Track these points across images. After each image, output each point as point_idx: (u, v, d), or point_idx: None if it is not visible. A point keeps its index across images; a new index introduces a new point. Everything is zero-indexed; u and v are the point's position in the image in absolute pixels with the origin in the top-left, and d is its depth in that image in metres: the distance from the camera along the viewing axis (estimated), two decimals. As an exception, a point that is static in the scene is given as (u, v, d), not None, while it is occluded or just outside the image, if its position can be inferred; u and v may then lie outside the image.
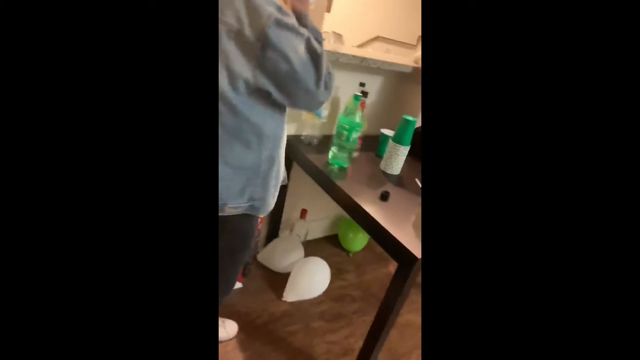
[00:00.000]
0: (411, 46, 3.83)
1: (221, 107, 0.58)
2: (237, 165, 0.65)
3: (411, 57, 1.51)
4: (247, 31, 0.52)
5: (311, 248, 1.60)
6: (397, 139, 1.07)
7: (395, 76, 1.46)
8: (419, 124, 1.15)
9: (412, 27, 3.90)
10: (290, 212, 1.56)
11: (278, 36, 0.53)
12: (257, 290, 1.36)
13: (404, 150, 1.08)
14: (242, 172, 0.66)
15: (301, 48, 0.56)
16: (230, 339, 1.15)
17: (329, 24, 3.06)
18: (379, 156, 1.22)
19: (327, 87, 0.62)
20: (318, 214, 1.67)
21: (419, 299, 1.53)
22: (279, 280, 1.40)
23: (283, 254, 1.46)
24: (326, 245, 1.71)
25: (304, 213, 1.52)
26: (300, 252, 1.51)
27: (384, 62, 1.27)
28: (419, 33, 3.88)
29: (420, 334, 1.36)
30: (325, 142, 1.22)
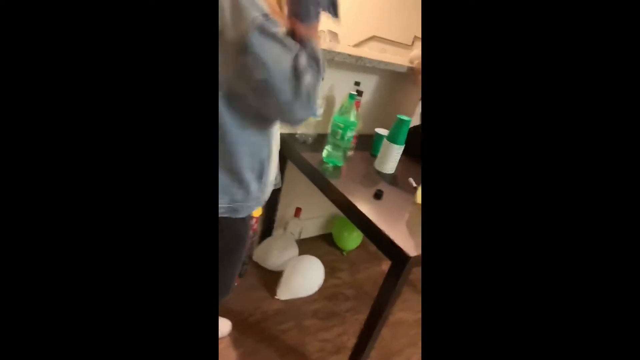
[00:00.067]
0: (406, 46, 3.84)
1: None
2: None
3: (406, 57, 1.52)
4: (229, 32, 0.51)
5: (305, 246, 1.60)
6: (392, 139, 1.07)
7: (390, 76, 1.46)
8: (413, 123, 1.15)
9: (407, 27, 3.91)
10: (284, 211, 1.56)
11: (260, 44, 0.51)
12: (250, 288, 1.36)
13: (398, 150, 1.08)
14: (221, 175, 0.65)
15: (285, 60, 0.54)
16: (223, 337, 1.15)
17: (324, 23, 3.05)
18: (374, 155, 1.23)
19: (307, 105, 0.59)
20: (312, 213, 1.67)
21: (412, 297, 1.54)
22: (272, 279, 1.40)
23: (277, 252, 1.46)
24: (320, 244, 1.72)
25: (298, 211, 1.52)
26: (294, 250, 1.51)
27: (379, 62, 1.27)
28: (415, 33, 3.90)
29: (412, 332, 1.37)
30: (320, 140, 1.22)
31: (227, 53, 0.52)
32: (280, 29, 0.55)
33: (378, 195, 0.93)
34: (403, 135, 1.07)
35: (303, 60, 0.57)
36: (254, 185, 0.68)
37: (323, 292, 1.43)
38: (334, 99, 1.35)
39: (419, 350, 1.30)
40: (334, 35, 1.48)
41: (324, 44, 1.37)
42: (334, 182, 0.97)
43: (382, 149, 1.11)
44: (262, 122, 0.66)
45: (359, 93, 1.22)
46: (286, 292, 1.35)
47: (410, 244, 0.77)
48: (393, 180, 1.09)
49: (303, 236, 1.68)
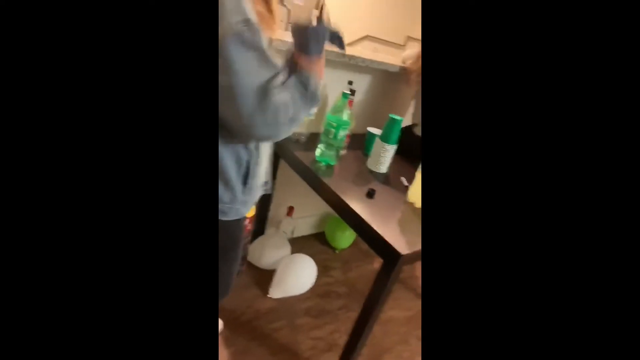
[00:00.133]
0: (399, 46, 3.86)
1: None
2: None
3: (399, 57, 1.53)
4: None
5: (298, 245, 1.60)
6: (384, 138, 1.08)
7: (383, 75, 1.47)
8: (405, 123, 1.16)
9: (400, 27, 3.93)
10: (277, 209, 1.56)
11: (233, 50, 0.49)
12: (242, 287, 1.35)
13: (390, 149, 1.09)
14: None
15: (257, 72, 0.52)
16: (215, 336, 1.14)
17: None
18: (366, 154, 1.24)
19: (272, 124, 0.56)
20: (305, 212, 1.67)
21: (403, 295, 1.56)
22: (264, 277, 1.40)
23: (269, 251, 1.45)
24: (313, 243, 1.72)
25: (290, 210, 1.52)
26: (287, 249, 1.51)
27: (372, 61, 1.28)
28: (407, 33, 3.92)
29: (403, 330, 1.39)
30: (312, 139, 1.23)
31: None
32: (262, 37, 0.53)
33: (370, 194, 0.94)
34: (395, 135, 1.07)
35: (279, 79, 0.55)
36: (239, 188, 0.68)
37: (315, 291, 1.43)
38: (327, 98, 1.35)
39: (410, 348, 1.32)
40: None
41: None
42: (326, 181, 0.98)
43: (374, 148, 1.12)
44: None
45: (352, 92, 1.22)
46: (278, 290, 1.35)
47: (401, 243, 0.77)
48: (385, 179, 1.10)
49: (295, 235, 1.68)
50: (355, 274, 1.60)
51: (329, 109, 1.34)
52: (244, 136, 0.59)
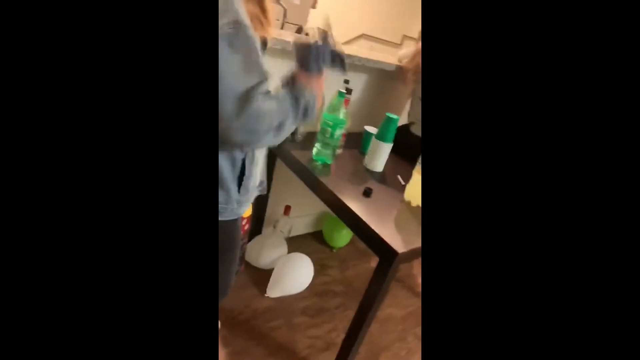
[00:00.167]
0: (395, 45, 3.87)
1: None
2: None
3: (395, 56, 1.53)
4: None
5: (295, 244, 1.60)
6: (380, 137, 1.08)
7: (379, 74, 1.47)
8: (401, 122, 1.17)
9: (396, 26, 3.93)
10: (273, 209, 1.56)
11: (221, 52, 0.49)
12: (240, 287, 1.35)
13: (387, 148, 1.09)
14: None
15: (241, 77, 0.52)
16: (212, 336, 1.14)
17: (314, 21, 3.05)
18: (363, 153, 1.24)
19: (251, 131, 0.55)
20: (302, 211, 1.67)
21: (400, 293, 1.57)
22: (262, 277, 1.40)
23: (266, 250, 1.45)
24: (310, 242, 1.72)
25: (287, 209, 1.52)
26: (284, 248, 1.51)
27: (368, 60, 1.28)
28: (403, 32, 3.93)
29: (400, 327, 1.39)
30: (309, 138, 1.22)
31: None
32: (253, 40, 0.52)
33: (367, 193, 0.94)
34: (392, 133, 1.08)
35: (266, 86, 0.55)
36: (234, 188, 0.67)
37: (313, 289, 1.44)
38: (323, 97, 1.35)
39: (407, 345, 1.32)
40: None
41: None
42: (323, 180, 0.98)
43: (371, 146, 1.12)
44: None
45: (348, 91, 1.22)
46: (276, 290, 1.35)
47: (398, 241, 0.78)
48: (382, 178, 1.10)
49: (292, 234, 1.68)
50: (353, 273, 1.60)
51: (325, 107, 1.34)
52: (221, 139, 0.57)
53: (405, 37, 3.92)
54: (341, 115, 1.05)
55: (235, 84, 0.52)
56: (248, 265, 1.46)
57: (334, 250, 1.71)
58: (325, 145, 1.07)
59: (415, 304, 1.54)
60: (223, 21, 0.49)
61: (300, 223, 1.71)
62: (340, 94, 1.06)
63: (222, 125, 0.54)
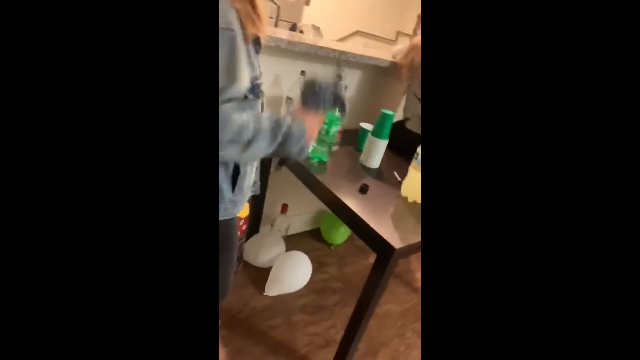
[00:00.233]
0: (390, 41, 3.87)
1: None
2: None
3: (390, 52, 1.53)
4: None
5: (292, 242, 1.60)
6: (376, 133, 1.08)
7: (373, 70, 1.47)
8: (397, 118, 1.16)
9: (390, 22, 3.93)
10: (270, 208, 1.55)
11: None
12: (238, 286, 1.35)
13: (382, 144, 1.09)
14: None
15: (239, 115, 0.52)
16: (211, 335, 1.14)
17: (308, 17, 3.04)
18: (359, 150, 1.24)
19: (234, 143, 0.54)
20: (299, 209, 1.67)
21: (398, 289, 1.57)
22: (260, 275, 1.40)
23: (264, 249, 1.45)
24: (307, 240, 1.72)
25: (284, 208, 1.52)
26: (282, 246, 1.51)
27: (362, 56, 1.27)
28: (398, 28, 3.92)
29: (398, 323, 1.40)
30: (305, 136, 1.22)
31: None
32: (237, 45, 0.51)
33: (363, 190, 0.94)
34: (387, 130, 1.07)
35: (230, 93, 0.53)
36: (227, 187, 0.67)
37: (311, 287, 1.44)
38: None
39: (406, 341, 1.33)
40: (317, 29, 1.47)
41: (307, 38, 1.36)
42: (319, 177, 0.98)
43: (366, 143, 1.12)
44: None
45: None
46: (274, 288, 1.35)
47: (395, 237, 0.78)
48: (378, 174, 1.10)
49: (290, 232, 1.68)
50: (351, 270, 1.61)
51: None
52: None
53: (399, 33, 3.92)
54: (336, 112, 1.05)
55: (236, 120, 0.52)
56: (246, 264, 1.46)
57: (332, 248, 1.71)
58: (321, 142, 1.07)
59: (414, 299, 1.55)
60: None
61: (298, 221, 1.71)
62: (335, 91, 1.05)
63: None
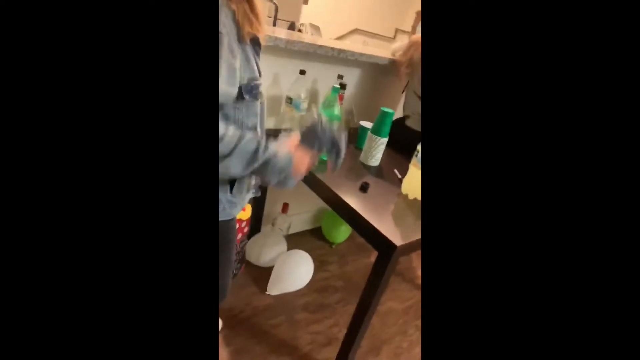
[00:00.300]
0: (388, 38, 3.86)
1: None
2: None
3: (388, 50, 1.52)
4: None
5: (294, 241, 1.61)
6: (376, 131, 1.08)
7: (372, 68, 1.47)
8: (396, 115, 1.16)
9: (389, 20, 3.92)
10: (271, 207, 1.56)
11: None
12: (240, 285, 1.35)
13: (382, 142, 1.09)
14: None
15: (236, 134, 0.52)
16: (214, 335, 1.14)
17: (306, 16, 3.04)
18: (358, 148, 1.24)
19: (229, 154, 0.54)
20: (300, 208, 1.67)
21: (400, 287, 1.57)
22: (262, 275, 1.40)
23: (265, 248, 1.45)
24: (309, 238, 1.73)
25: (285, 207, 1.52)
26: (283, 246, 1.51)
27: (361, 54, 1.27)
28: (396, 26, 3.92)
29: (401, 321, 1.40)
30: (304, 135, 1.22)
31: None
32: (223, 51, 0.51)
33: (364, 188, 0.94)
34: (387, 128, 1.07)
35: (227, 131, 0.53)
36: (225, 188, 0.67)
37: (313, 286, 1.44)
38: (318, 93, 1.35)
39: (409, 338, 1.34)
40: (315, 28, 1.47)
41: (306, 37, 1.36)
42: (320, 176, 0.98)
43: (366, 141, 1.12)
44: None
45: (343, 86, 1.22)
46: (276, 287, 1.35)
47: (396, 234, 0.78)
48: (378, 172, 1.10)
49: (291, 231, 1.68)
50: (352, 268, 1.61)
51: (320, 103, 1.33)
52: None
53: (398, 30, 3.91)
54: (336, 111, 1.05)
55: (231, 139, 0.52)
56: (248, 263, 1.46)
57: (333, 246, 1.71)
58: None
59: (416, 296, 1.55)
60: None
61: (299, 220, 1.71)
62: (334, 89, 1.05)
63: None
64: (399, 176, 1.09)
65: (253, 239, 1.49)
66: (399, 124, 1.31)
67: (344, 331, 0.99)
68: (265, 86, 0.59)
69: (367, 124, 1.24)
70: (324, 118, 0.65)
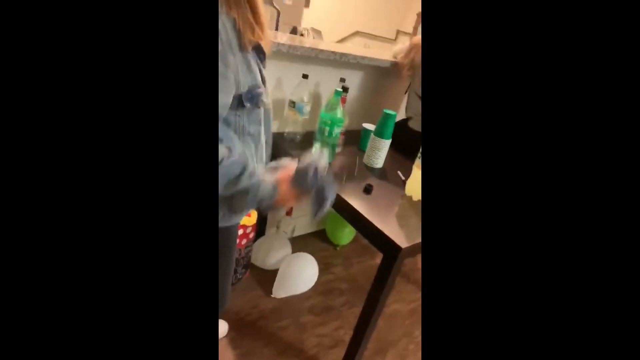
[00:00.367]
0: (390, 40, 3.87)
1: None
2: None
3: (390, 52, 1.53)
4: None
5: (298, 244, 1.61)
6: (379, 133, 1.08)
7: (374, 71, 1.47)
8: (399, 117, 1.17)
9: (390, 22, 3.93)
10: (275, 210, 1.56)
11: None
12: (246, 289, 1.36)
13: (385, 144, 1.10)
14: None
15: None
16: (220, 339, 1.15)
17: (307, 20, 3.05)
18: (362, 150, 1.24)
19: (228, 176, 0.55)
20: (304, 210, 1.68)
21: (405, 288, 1.57)
22: (267, 278, 1.41)
23: (270, 251, 1.46)
24: (313, 241, 1.73)
25: (289, 210, 1.52)
26: (288, 248, 1.51)
27: (363, 57, 1.28)
28: (397, 27, 3.92)
29: (407, 322, 1.40)
30: (307, 138, 1.23)
31: None
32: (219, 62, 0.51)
33: (368, 190, 0.95)
34: (390, 130, 1.08)
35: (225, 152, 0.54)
36: (226, 196, 0.65)
37: (318, 288, 1.44)
38: (320, 96, 1.35)
39: (415, 340, 1.33)
40: (317, 32, 1.48)
41: (307, 41, 1.37)
42: (323, 178, 0.98)
43: (369, 143, 1.12)
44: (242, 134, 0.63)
45: (345, 89, 1.22)
46: (282, 290, 1.35)
47: (401, 236, 0.78)
48: (382, 174, 1.10)
49: (296, 234, 1.69)
50: (357, 270, 1.61)
51: (322, 107, 1.34)
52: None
53: (399, 32, 3.92)
54: (339, 114, 1.06)
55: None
56: (253, 266, 1.47)
57: (338, 249, 1.71)
58: (324, 144, 1.07)
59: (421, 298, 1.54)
60: None
61: (303, 223, 1.72)
62: (336, 92, 1.06)
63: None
64: (403, 178, 1.09)
65: (258, 242, 1.49)
66: (402, 126, 1.31)
67: (350, 333, 0.99)
68: (268, 91, 0.58)
69: (370, 126, 1.25)
70: (322, 162, 0.63)
